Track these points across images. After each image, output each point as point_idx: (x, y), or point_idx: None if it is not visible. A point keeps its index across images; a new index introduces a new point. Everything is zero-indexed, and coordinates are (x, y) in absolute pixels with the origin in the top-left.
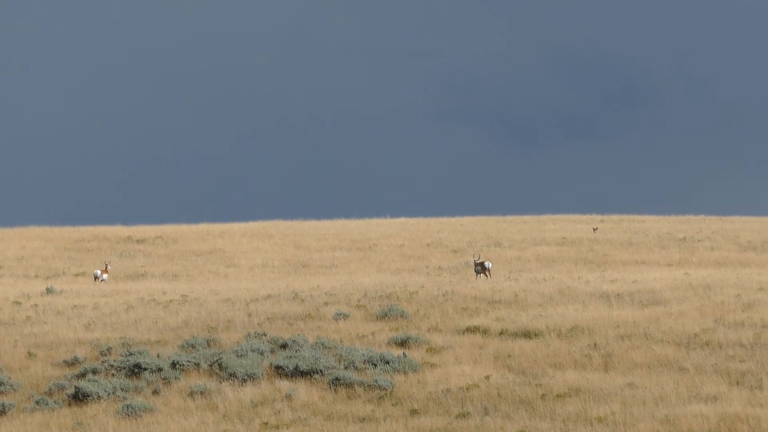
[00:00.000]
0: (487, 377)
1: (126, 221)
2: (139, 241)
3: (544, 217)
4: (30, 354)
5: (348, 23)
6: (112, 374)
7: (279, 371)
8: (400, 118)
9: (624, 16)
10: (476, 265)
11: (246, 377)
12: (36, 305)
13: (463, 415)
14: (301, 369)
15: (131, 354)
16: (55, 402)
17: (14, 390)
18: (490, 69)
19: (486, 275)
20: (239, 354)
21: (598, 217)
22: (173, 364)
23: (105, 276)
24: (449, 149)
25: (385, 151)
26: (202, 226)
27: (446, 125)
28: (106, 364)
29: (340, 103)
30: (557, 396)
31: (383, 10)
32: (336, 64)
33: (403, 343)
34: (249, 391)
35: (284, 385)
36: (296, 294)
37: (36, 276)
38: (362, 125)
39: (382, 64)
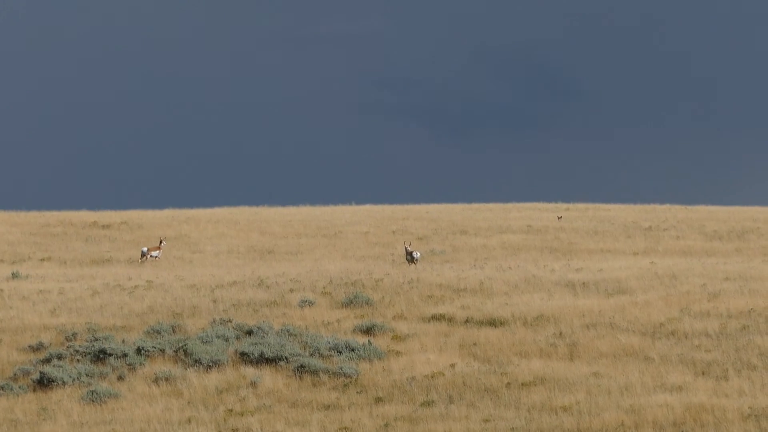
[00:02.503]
0: (452, 365)
1: (92, 206)
2: (105, 227)
3: (509, 205)
4: None
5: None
6: (77, 360)
7: (244, 358)
8: (330, 110)
9: (551, 11)
10: (407, 254)
11: (211, 364)
12: (1, 290)
13: (428, 403)
14: (266, 356)
15: (96, 339)
16: (20, 387)
17: None
18: (420, 66)
19: (415, 264)
20: (204, 340)
21: (564, 206)
22: (138, 350)
23: (156, 253)
24: (395, 142)
25: (335, 139)
26: (168, 212)
27: (374, 119)
28: (71, 350)
29: (293, 90)
30: (522, 385)
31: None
32: (293, 53)
33: (368, 331)
34: (214, 378)
35: (249, 371)
36: (261, 281)
37: (1, 261)
38: (311, 114)
39: (313, 55)
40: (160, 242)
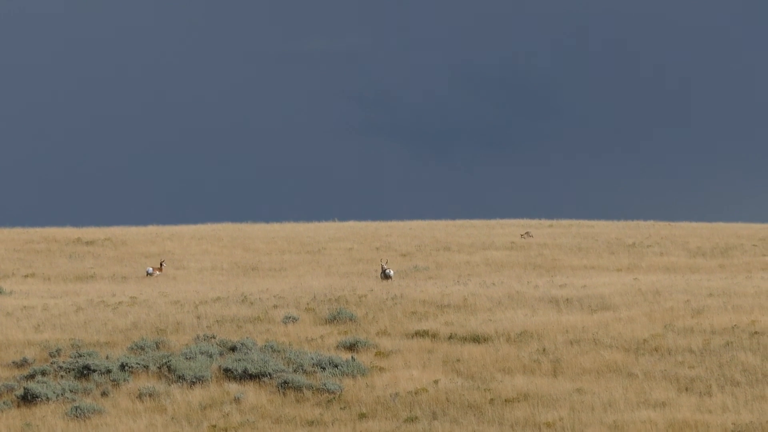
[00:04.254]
0: (436, 382)
1: (75, 223)
2: (89, 243)
3: (493, 222)
4: None
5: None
6: (61, 376)
7: (228, 374)
8: (312, 128)
9: (525, 35)
10: (382, 271)
11: (195, 380)
12: None
13: (412, 420)
14: (250, 372)
15: (80, 355)
16: (3, 403)
17: None
18: (401, 83)
19: (389, 280)
20: (188, 356)
21: (548, 222)
22: (122, 366)
23: (158, 273)
24: (377, 159)
25: (318, 156)
26: (151, 228)
27: (356, 138)
28: (55, 366)
29: (276, 107)
30: (506, 401)
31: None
32: (270, 71)
33: (351, 347)
34: (198, 394)
35: (233, 387)
36: (245, 297)
37: None
38: (294, 131)
39: (294, 72)
40: (161, 264)
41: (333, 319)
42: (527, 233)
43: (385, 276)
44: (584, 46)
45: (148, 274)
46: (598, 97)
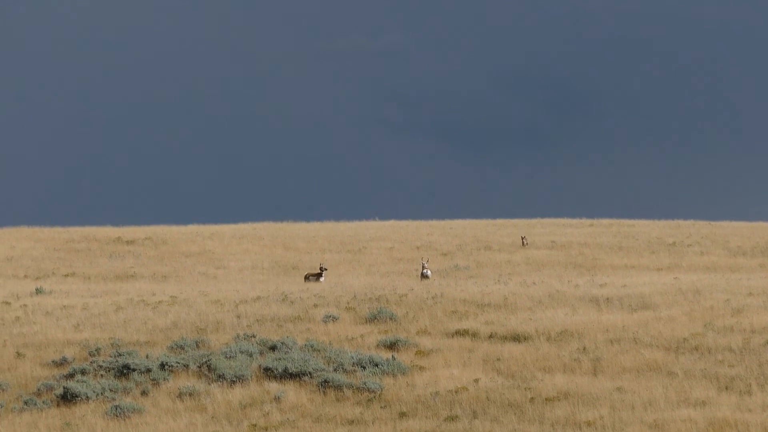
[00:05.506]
0: (476, 380)
1: (116, 222)
2: (129, 242)
3: (533, 221)
4: (18, 354)
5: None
6: (101, 375)
7: (268, 373)
8: (354, 126)
9: (563, 34)
10: (422, 270)
11: (235, 379)
12: (25, 305)
13: (452, 418)
14: (290, 371)
15: (120, 355)
16: (43, 402)
17: (2, 390)
18: (440, 82)
19: (428, 279)
20: (228, 355)
21: (588, 221)
22: (162, 365)
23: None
24: (418, 158)
25: (359, 155)
26: (192, 228)
27: (399, 138)
28: (94, 365)
29: (317, 105)
30: (546, 400)
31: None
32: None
33: (392, 346)
34: (238, 393)
35: (273, 387)
36: (285, 296)
37: (25, 276)
38: (335, 129)
39: (335, 69)
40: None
41: (373, 318)
42: (524, 238)
43: (423, 276)
44: (623, 45)
45: (306, 278)
46: (639, 96)
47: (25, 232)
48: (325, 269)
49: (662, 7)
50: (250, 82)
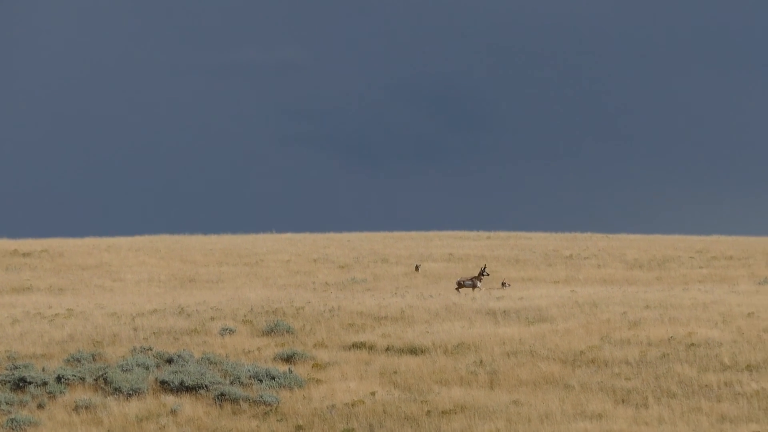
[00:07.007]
0: (373, 393)
1: (12, 234)
2: (25, 255)
3: (431, 234)
4: None
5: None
6: None
7: (164, 386)
8: (251, 139)
9: (461, 47)
10: (481, 272)
11: (131, 392)
12: None
13: None
14: (187, 384)
15: (16, 367)
16: None
17: None
18: (334, 97)
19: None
20: (124, 368)
21: (485, 234)
22: (58, 378)
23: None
24: (314, 172)
25: (255, 168)
26: (89, 240)
27: (295, 151)
28: None
29: (210, 119)
30: (443, 413)
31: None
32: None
33: (288, 359)
34: (134, 406)
35: (169, 400)
36: (182, 309)
37: None
38: (230, 143)
39: (226, 84)
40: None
41: (270, 331)
42: (418, 266)
43: (467, 285)
44: (518, 59)
45: (459, 286)
46: (532, 110)
47: None
48: (487, 274)
49: (560, 18)
50: (146, 95)
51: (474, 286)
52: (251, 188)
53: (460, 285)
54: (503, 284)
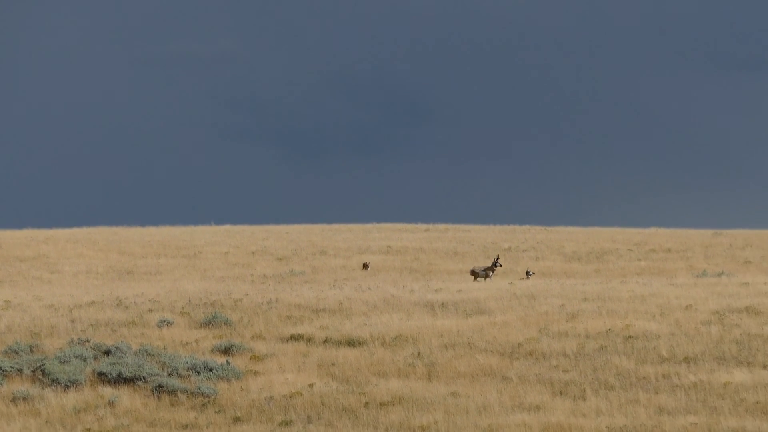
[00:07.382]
0: (311, 385)
1: None
2: None
3: (369, 226)
4: None
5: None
6: None
7: (102, 378)
8: (189, 131)
9: (398, 39)
10: (494, 263)
11: (69, 383)
12: None
13: (286, 423)
14: (124, 376)
15: None
16: None
17: None
18: (271, 89)
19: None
20: (62, 360)
21: (424, 226)
22: None
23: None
24: (252, 163)
25: (193, 160)
26: (26, 232)
27: (232, 143)
28: None
29: (147, 110)
30: (380, 404)
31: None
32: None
33: (226, 351)
34: (72, 398)
35: (107, 391)
36: (120, 301)
37: None
38: (168, 134)
39: (163, 75)
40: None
41: (208, 323)
42: (366, 264)
43: (479, 275)
44: (455, 50)
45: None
46: (471, 102)
47: None
48: (500, 265)
49: (498, 11)
50: (83, 87)
51: (487, 276)
52: (189, 180)
53: (475, 273)
54: (527, 273)
